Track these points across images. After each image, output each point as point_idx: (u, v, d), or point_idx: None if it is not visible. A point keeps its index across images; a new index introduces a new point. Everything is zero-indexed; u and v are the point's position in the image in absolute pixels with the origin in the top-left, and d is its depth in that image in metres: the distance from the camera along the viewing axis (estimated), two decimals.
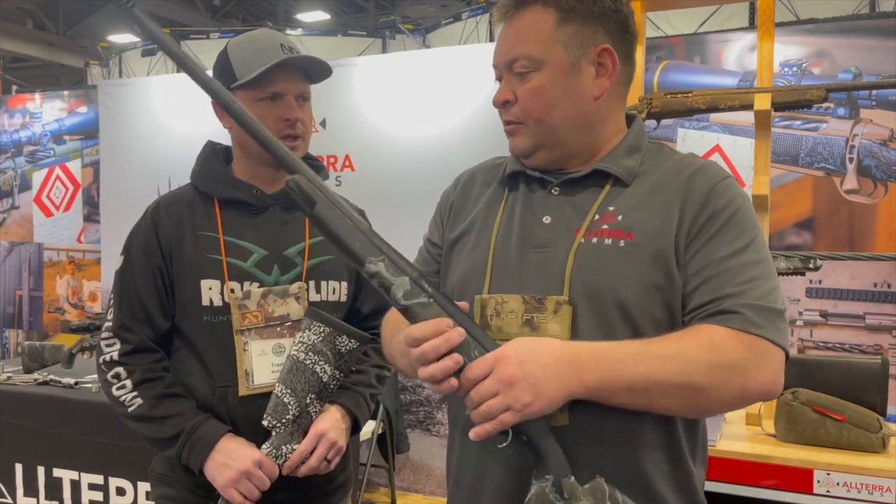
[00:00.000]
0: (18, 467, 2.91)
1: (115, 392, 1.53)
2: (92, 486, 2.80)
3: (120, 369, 1.52)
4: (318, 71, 1.57)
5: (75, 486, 2.82)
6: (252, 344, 1.52)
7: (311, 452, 1.47)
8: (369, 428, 3.66)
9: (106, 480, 2.78)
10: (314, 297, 1.58)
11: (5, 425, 2.92)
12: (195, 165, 1.63)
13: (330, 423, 1.51)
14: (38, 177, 5.80)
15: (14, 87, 7.84)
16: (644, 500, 1.07)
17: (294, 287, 1.55)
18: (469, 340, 1.02)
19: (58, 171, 5.74)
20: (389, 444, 3.83)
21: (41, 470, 2.86)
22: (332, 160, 4.32)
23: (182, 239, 1.54)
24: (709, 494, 1.90)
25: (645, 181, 1.15)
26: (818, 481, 1.83)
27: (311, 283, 1.58)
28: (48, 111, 5.81)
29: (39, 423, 2.88)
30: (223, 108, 1.13)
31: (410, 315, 1.05)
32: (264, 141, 1.09)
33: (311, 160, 1.67)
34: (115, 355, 1.53)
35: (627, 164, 1.16)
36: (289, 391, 1.45)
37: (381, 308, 1.69)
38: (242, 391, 1.51)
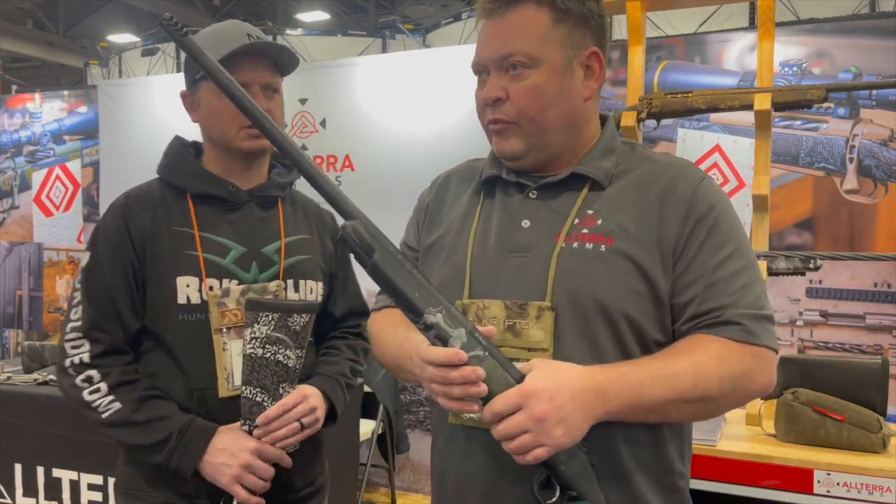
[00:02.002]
0: (18, 467, 2.91)
1: (86, 397, 1.43)
2: (91, 487, 2.79)
3: (93, 372, 1.43)
4: (286, 61, 1.52)
5: (74, 486, 2.81)
6: (231, 343, 1.46)
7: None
8: (369, 428, 3.65)
9: (105, 480, 2.77)
10: (293, 296, 1.54)
11: (5, 425, 2.92)
12: (163, 159, 1.57)
13: (312, 390, 1.48)
14: (37, 177, 5.80)
15: (14, 87, 7.84)
16: (627, 498, 1.08)
17: (273, 285, 1.50)
18: (500, 369, 1.02)
19: (58, 171, 5.74)
20: (389, 444, 3.83)
21: (41, 470, 2.86)
22: (331, 160, 4.32)
23: (156, 234, 1.47)
24: (709, 494, 1.91)
25: (622, 183, 1.15)
26: (818, 481, 1.83)
27: (290, 282, 1.54)
28: (48, 111, 5.81)
29: (39, 423, 2.88)
30: (285, 156, 1.11)
31: None
32: (318, 182, 1.06)
33: (284, 159, 1.62)
34: (86, 357, 1.44)
35: (604, 167, 1.16)
36: (258, 389, 1.40)
37: (353, 310, 1.69)
38: (223, 392, 1.45)
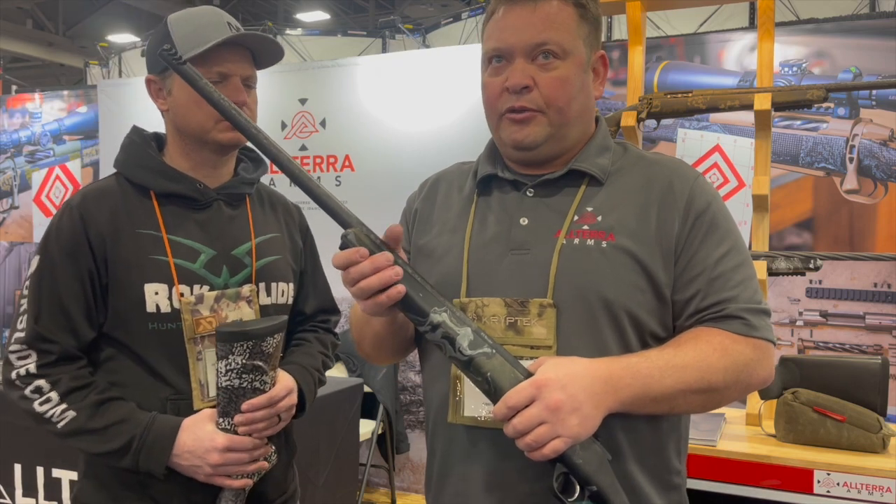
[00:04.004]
0: (17, 468, 2.90)
1: (38, 408, 1.33)
2: None
3: (41, 382, 1.33)
4: (267, 54, 1.46)
5: (74, 486, 2.81)
6: (206, 352, 1.37)
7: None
8: (369, 428, 3.65)
9: None
10: (265, 300, 1.47)
11: (5, 425, 2.92)
12: (121, 153, 1.46)
13: (294, 383, 1.43)
14: (37, 177, 5.80)
15: (14, 87, 7.84)
16: (629, 496, 1.08)
17: (246, 289, 1.43)
18: (508, 366, 1.02)
19: (57, 171, 5.74)
20: (389, 444, 3.83)
21: (40, 470, 2.86)
22: (332, 160, 4.32)
23: (118, 237, 1.37)
24: (709, 494, 1.91)
25: (618, 181, 1.17)
26: (818, 481, 1.83)
27: (262, 286, 1.47)
28: (48, 111, 5.81)
29: None
30: (279, 168, 1.09)
31: (475, 366, 1.02)
32: (314, 192, 1.07)
33: (249, 152, 1.58)
34: (32, 368, 1.34)
35: (601, 163, 1.17)
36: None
37: (323, 307, 1.65)
38: (197, 404, 1.37)
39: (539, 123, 1.14)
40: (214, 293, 1.40)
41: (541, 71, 1.12)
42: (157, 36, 1.45)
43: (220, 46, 1.37)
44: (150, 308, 1.36)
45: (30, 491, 2.89)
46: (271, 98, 4.43)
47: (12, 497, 2.91)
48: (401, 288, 1.04)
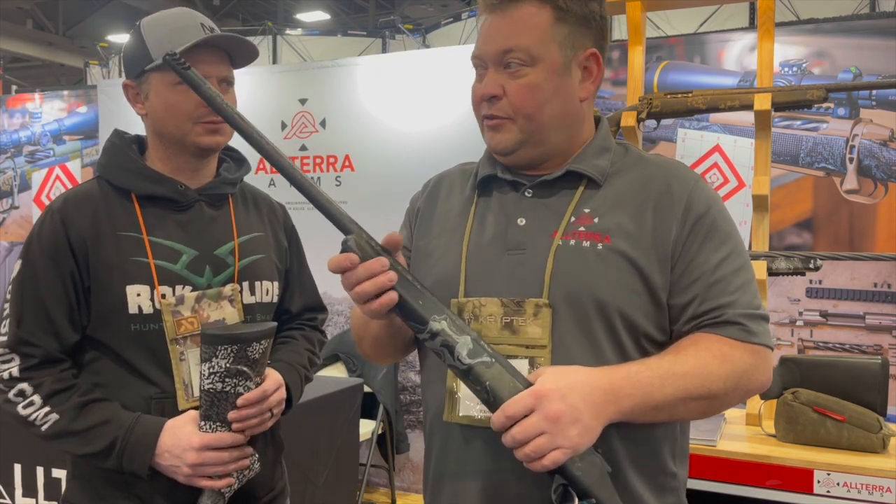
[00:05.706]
0: (18, 467, 2.90)
1: (21, 412, 1.34)
2: None
3: (24, 385, 1.34)
4: (242, 53, 1.46)
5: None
6: (189, 353, 1.38)
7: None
8: (369, 428, 3.65)
9: None
10: (248, 298, 1.47)
11: (4, 425, 2.92)
12: (102, 157, 1.46)
13: (280, 379, 1.44)
14: (37, 177, 5.80)
15: (14, 87, 7.85)
16: (624, 498, 1.07)
17: (227, 289, 1.43)
18: (508, 375, 1.02)
19: (57, 171, 5.74)
20: (389, 444, 3.83)
21: (40, 470, 2.86)
22: (332, 160, 4.32)
23: (99, 240, 1.37)
24: (709, 494, 1.91)
25: (617, 183, 1.16)
26: (818, 481, 1.83)
27: (245, 284, 1.47)
28: (48, 111, 5.81)
29: None
30: (266, 159, 1.11)
31: (474, 375, 1.02)
32: (316, 198, 1.08)
33: (231, 152, 1.58)
34: (15, 371, 1.35)
35: (600, 165, 1.17)
36: (218, 424, 1.33)
37: (309, 305, 1.65)
38: (182, 404, 1.37)
39: (509, 130, 1.15)
40: (195, 293, 1.40)
41: (510, 79, 1.13)
42: (131, 41, 1.44)
43: (196, 48, 1.37)
44: (133, 309, 1.36)
45: (30, 491, 2.89)
46: (271, 98, 4.44)
47: (12, 497, 2.91)
48: (392, 295, 1.04)
